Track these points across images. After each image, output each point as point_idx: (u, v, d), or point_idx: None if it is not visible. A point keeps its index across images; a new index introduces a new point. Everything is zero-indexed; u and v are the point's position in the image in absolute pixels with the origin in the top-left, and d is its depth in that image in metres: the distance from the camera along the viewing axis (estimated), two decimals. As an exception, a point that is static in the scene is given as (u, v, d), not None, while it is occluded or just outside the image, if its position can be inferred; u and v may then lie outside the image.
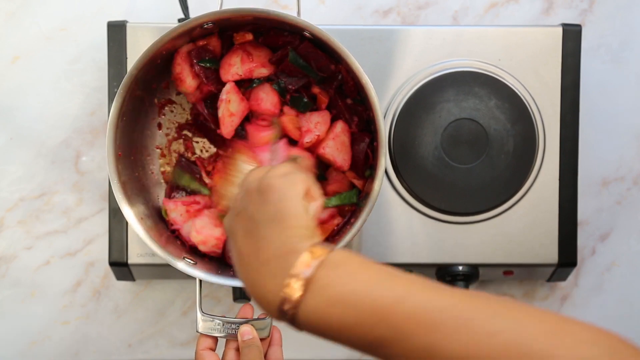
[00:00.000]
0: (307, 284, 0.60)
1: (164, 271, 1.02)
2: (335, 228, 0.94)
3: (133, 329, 1.12)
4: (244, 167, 0.85)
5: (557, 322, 0.56)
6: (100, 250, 1.10)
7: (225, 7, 0.88)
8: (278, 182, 0.66)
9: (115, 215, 0.98)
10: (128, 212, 0.89)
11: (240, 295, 0.99)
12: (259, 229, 0.64)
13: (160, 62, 0.91)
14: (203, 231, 0.92)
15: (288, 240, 0.63)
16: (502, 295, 1.13)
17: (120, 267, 1.00)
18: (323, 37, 0.87)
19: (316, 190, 0.69)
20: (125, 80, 0.87)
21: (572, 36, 0.99)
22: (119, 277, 1.05)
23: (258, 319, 0.88)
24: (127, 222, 0.98)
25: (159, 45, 0.87)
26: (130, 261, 0.99)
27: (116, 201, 0.97)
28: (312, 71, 0.92)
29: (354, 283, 0.59)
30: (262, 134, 0.93)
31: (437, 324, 0.56)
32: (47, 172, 1.10)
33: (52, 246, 1.10)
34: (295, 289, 0.60)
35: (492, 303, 0.58)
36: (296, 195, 0.66)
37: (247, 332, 0.86)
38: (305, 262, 0.60)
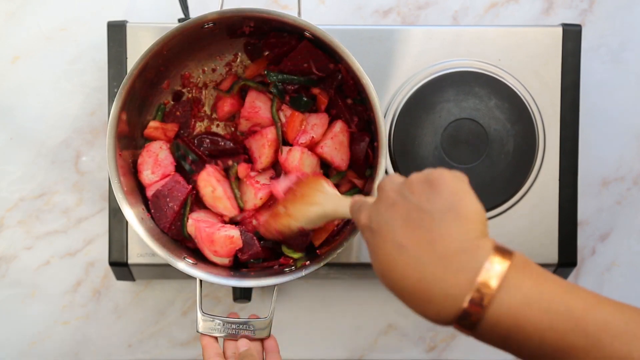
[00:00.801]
0: (502, 281, 0.57)
1: (164, 271, 1.02)
2: (336, 228, 0.94)
3: (133, 329, 1.12)
4: (330, 189, 0.85)
5: None
6: (100, 250, 1.10)
7: (226, 7, 0.88)
8: (448, 175, 0.62)
9: (115, 215, 0.98)
10: (129, 212, 0.89)
11: (240, 295, 0.99)
12: (432, 220, 0.59)
13: (160, 62, 0.91)
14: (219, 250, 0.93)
15: (470, 235, 0.59)
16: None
17: (120, 267, 1.00)
18: (324, 38, 0.87)
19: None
20: (125, 80, 0.87)
21: (572, 36, 0.99)
22: (119, 277, 1.05)
23: (258, 319, 0.88)
24: (127, 222, 0.98)
25: (159, 45, 0.87)
26: (130, 261, 0.99)
27: (116, 201, 0.98)
28: (304, 78, 0.93)
29: (545, 287, 0.57)
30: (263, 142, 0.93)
31: (632, 335, 0.56)
32: (47, 172, 1.10)
33: (52, 246, 1.10)
34: (490, 285, 0.57)
35: None
36: (470, 190, 0.61)
37: (242, 344, 0.88)
38: (497, 259, 0.58)
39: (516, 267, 0.58)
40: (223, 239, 0.91)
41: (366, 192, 0.92)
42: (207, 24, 0.88)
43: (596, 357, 0.56)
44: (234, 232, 0.92)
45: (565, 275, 1.05)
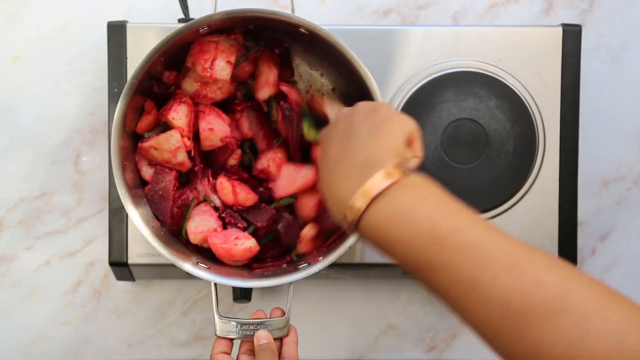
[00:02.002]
0: (376, 196, 0.65)
1: (164, 271, 1.02)
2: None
3: (133, 329, 1.12)
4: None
5: (606, 290, 0.58)
6: (100, 250, 1.10)
7: (223, 9, 0.88)
8: (392, 110, 0.74)
9: (115, 215, 0.98)
10: (134, 213, 0.89)
11: (240, 295, 0.99)
12: (355, 137, 0.70)
13: (159, 69, 0.91)
14: (198, 230, 0.92)
15: (375, 154, 0.68)
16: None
17: (120, 267, 1.00)
18: (320, 33, 0.87)
19: (419, 143, 0.73)
20: (125, 89, 0.86)
21: (572, 36, 0.99)
22: (119, 277, 1.05)
23: (276, 318, 0.88)
24: (127, 222, 0.98)
25: (157, 51, 0.86)
26: (130, 261, 0.99)
27: (116, 201, 0.98)
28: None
29: (419, 204, 0.64)
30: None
31: (487, 261, 0.59)
32: (47, 172, 1.10)
33: (52, 246, 1.10)
34: (363, 197, 0.65)
35: (545, 257, 0.59)
36: (401, 125, 0.72)
37: (263, 336, 0.86)
38: (382, 176, 0.66)
39: (403, 184, 0.65)
40: (242, 252, 0.91)
41: None
42: (203, 27, 0.88)
43: (450, 276, 0.60)
44: (250, 242, 0.91)
45: (565, 275, 1.05)
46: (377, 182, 0.65)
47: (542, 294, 0.56)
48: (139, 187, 0.93)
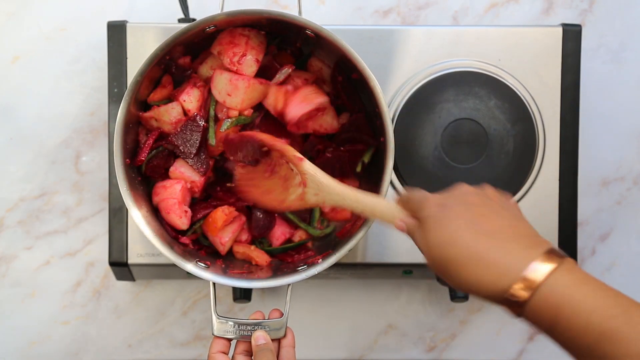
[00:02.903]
0: (551, 272, 0.64)
1: (164, 271, 1.02)
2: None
3: (133, 329, 1.12)
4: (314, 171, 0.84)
5: None
6: (100, 250, 1.10)
7: (228, 9, 0.88)
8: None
9: (115, 215, 0.98)
10: (137, 215, 0.89)
11: (240, 295, 0.99)
12: (509, 213, 0.72)
13: (163, 67, 0.91)
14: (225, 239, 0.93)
15: (537, 235, 0.70)
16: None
17: (120, 267, 1.00)
18: (326, 35, 0.86)
19: None
20: (130, 87, 0.86)
21: (572, 36, 0.99)
22: (119, 277, 1.05)
23: (273, 319, 0.88)
24: (127, 222, 0.98)
25: (163, 50, 0.86)
26: (130, 261, 0.99)
27: (116, 201, 0.98)
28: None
29: (589, 283, 0.65)
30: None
31: None
32: (47, 172, 1.10)
33: (52, 246, 1.11)
34: (541, 273, 0.64)
35: None
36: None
37: (261, 337, 0.86)
38: (551, 256, 0.66)
39: (564, 266, 0.65)
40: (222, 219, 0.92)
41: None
42: (210, 27, 0.88)
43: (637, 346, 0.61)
44: (225, 209, 0.92)
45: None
46: (547, 263, 0.65)
47: None
48: (141, 185, 0.93)
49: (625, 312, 0.62)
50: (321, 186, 0.83)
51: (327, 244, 0.94)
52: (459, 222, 0.69)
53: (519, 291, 0.65)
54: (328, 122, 0.93)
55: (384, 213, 0.79)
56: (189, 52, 0.93)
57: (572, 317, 0.63)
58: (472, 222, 0.69)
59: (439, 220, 0.71)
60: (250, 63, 0.90)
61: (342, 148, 0.94)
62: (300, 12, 0.90)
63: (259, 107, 0.94)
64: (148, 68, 0.86)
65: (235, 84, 0.90)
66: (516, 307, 0.65)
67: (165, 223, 0.93)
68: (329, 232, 0.96)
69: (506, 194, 0.75)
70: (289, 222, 0.96)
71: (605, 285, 0.65)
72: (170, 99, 0.93)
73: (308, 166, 0.84)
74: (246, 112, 0.92)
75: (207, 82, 0.93)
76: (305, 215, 0.96)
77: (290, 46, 0.95)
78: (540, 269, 0.65)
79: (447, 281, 0.70)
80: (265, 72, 0.93)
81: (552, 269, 0.64)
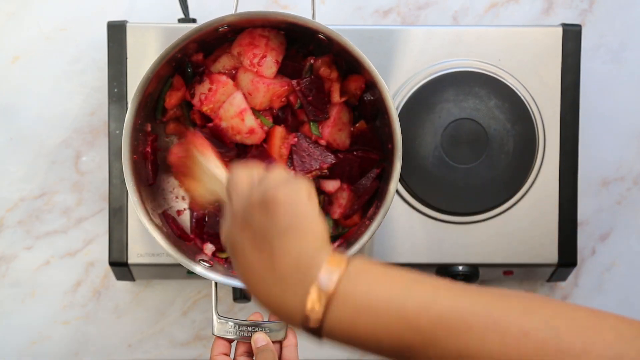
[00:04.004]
0: (331, 295, 0.58)
1: (164, 271, 1.02)
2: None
3: (133, 329, 1.12)
4: (209, 167, 0.80)
5: (589, 317, 0.56)
6: (100, 250, 1.10)
7: (239, 10, 0.88)
8: (282, 193, 0.62)
9: (115, 215, 0.98)
10: (144, 218, 0.89)
11: (240, 295, 0.99)
12: (271, 242, 0.61)
13: (175, 65, 0.91)
14: None
15: (304, 252, 0.60)
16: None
17: (120, 267, 1.00)
18: (339, 40, 0.87)
19: (314, 193, 0.65)
20: (140, 83, 0.86)
21: (572, 36, 0.99)
22: (119, 277, 1.05)
23: (274, 321, 0.87)
24: (127, 222, 0.98)
25: (174, 48, 0.86)
26: (130, 261, 0.99)
27: (116, 201, 0.98)
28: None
29: (377, 291, 0.58)
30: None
31: (467, 327, 0.55)
32: (47, 172, 1.10)
33: (52, 246, 1.10)
34: (318, 303, 0.59)
35: (521, 301, 0.57)
36: (304, 203, 0.63)
37: (260, 338, 0.86)
38: (326, 273, 0.59)
39: (349, 277, 0.59)
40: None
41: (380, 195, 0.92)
42: (223, 27, 0.88)
43: (434, 353, 0.56)
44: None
45: (565, 276, 1.05)
46: (325, 282, 0.58)
47: (531, 343, 0.54)
48: (147, 181, 0.93)
49: (410, 325, 0.57)
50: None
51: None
52: (243, 272, 0.64)
53: (313, 310, 0.59)
54: (342, 139, 0.94)
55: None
56: (202, 50, 0.93)
57: (362, 342, 0.59)
58: (249, 271, 0.63)
59: (235, 268, 0.66)
60: (270, 64, 0.91)
61: (354, 152, 0.94)
62: (313, 16, 0.90)
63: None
64: (159, 66, 0.87)
65: (256, 86, 0.91)
66: (317, 336, 0.61)
67: (171, 222, 0.93)
68: (341, 232, 0.96)
69: (270, 201, 0.62)
70: None
71: (395, 269, 0.59)
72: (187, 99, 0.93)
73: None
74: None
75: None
76: None
77: (303, 49, 0.95)
78: (326, 280, 0.59)
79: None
80: (286, 69, 0.93)
81: (340, 274, 0.59)
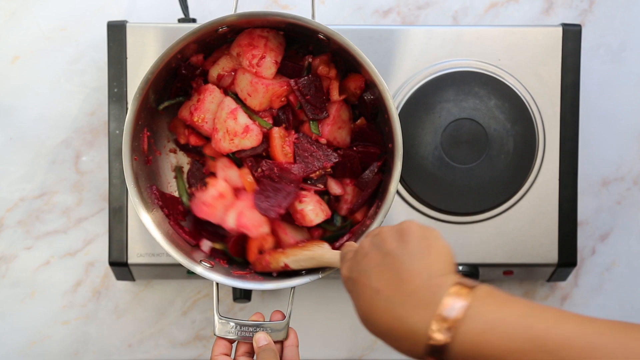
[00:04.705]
0: (462, 315, 0.61)
1: (164, 271, 1.02)
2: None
3: (133, 329, 1.12)
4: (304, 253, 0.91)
5: None
6: (100, 250, 1.10)
7: (238, 11, 0.88)
8: (416, 224, 0.70)
9: (115, 215, 0.98)
10: (146, 218, 0.89)
11: (240, 295, 0.99)
12: (402, 263, 0.66)
13: (174, 66, 0.91)
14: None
15: (434, 274, 0.64)
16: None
17: (120, 267, 1.00)
18: (339, 40, 0.87)
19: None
20: (140, 83, 0.86)
21: (572, 36, 0.99)
22: (119, 277, 1.05)
23: (275, 321, 0.87)
24: (127, 222, 0.98)
25: (174, 49, 0.86)
26: (130, 261, 0.99)
27: (116, 201, 0.98)
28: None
29: (505, 312, 0.61)
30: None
31: (593, 349, 0.58)
32: (47, 172, 1.10)
33: (52, 246, 1.10)
34: (447, 322, 0.61)
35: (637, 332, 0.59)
36: (435, 235, 0.69)
37: (262, 338, 0.86)
38: (455, 295, 0.62)
39: (477, 297, 0.62)
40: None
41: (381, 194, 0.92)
42: (222, 28, 0.88)
43: None
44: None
45: (565, 276, 1.05)
46: (453, 303, 0.62)
47: None
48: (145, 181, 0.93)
49: (539, 345, 0.59)
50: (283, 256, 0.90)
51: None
52: (364, 296, 0.68)
53: (433, 353, 0.62)
54: (342, 137, 0.95)
55: (334, 263, 0.85)
56: (201, 50, 0.93)
57: (503, 342, 0.60)
58: (372, 292, 0.66)
59: (354, 299, 0.70)
60: (269, 65, 0.91)
61: (354, 148, 0.94)
62: (313, 16, 0.90)
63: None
64: (159, 66, 0.87)
65: (255, 87, 0.91)
66: (439, 352, 0.62)
67: (174, 224, 0.93)
68: (346, 225, 0.96)
69: (405, 230, 0.69)
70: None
71: (523, 311, 0.62)
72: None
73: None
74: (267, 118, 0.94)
75: (218, 80, 0.93)
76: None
77: (303, 49, 0.95)
78: (455, 307, 0.61)
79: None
80: (285, 69, 0.93)
81: (468, 303, 0.61)
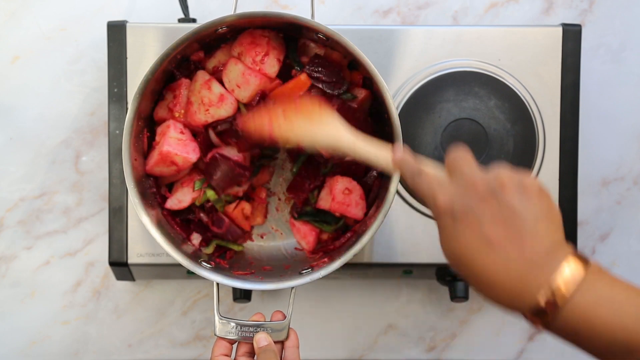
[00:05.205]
0: (579, 283, 0.62)
1: (164, 271, 1.02)
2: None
3: (133, 329, 1.12)
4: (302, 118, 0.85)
5: None
6: (100, 250, 1.10)
7: (238, 11, 0.88)
8: (539, 184, 0.68)
9: (115, 215, 0.98)
10: (145, 220, 0.88)
11: (240, 295, 0.99)
12: (524, 223, 0.65)
13: (174, 67, 0.91)
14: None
15: (556, 241, 0.66)
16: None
17: (120, 267, 1.00)
18: (338, 39, 0.86)
19: None
20: (140, 83, 0.86)
21: (572, 36, 0.99)
22: (119, 277, 1.05)
23: (276, 322, 0.87)
24: (127, 222, 0.98)
25: (174, 49, 0.86)
26: (130, 261, 0.99)
27: (116, 201, 0.97)
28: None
29: (616, 290, 0.63)
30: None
31: None
32: (47, 172, 1.10)
33: (52, 246, 1.10)
34: (565, 286, 0.62)
35: None
36: (552, 199, 0.69)
37: (263, 338, 0.86)
38: (575, 263, 0.63)
39: (591, 271, 0.63)
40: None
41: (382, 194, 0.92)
42: (222, 28, 0.88)
43: None
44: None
45: (565, 275, 1.05)
46: (571, 272, 0.63)
47: None
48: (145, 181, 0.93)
49: None
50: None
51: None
52: (468, 238, 0.66)
53: (536, 314, 0.63)
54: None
55: (381, 164, 0.79)
56: (202, 49, 0.93)
57: (595, 334, 0.62)
58: (482, 239, 0.66)
59: (449, 233, 0.68)
60: (272, 63, 0.91)
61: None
62: (313, 16, 0.90)
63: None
64: (160, 67, 0.87)
65: (247, 79, 0.91)
66: (541, 324, 0.64)
67: (174, 224, 0.93)
68: (340, 225, 0.96)
69: (529, 187, 0.68)
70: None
71: (634, 292, 0.63)
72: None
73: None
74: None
75: (214, 72, 0.93)
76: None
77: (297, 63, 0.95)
78: (572, 275, 0.63)
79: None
80: (287, 73, 0.93)
81: (574, 289, 0.63)
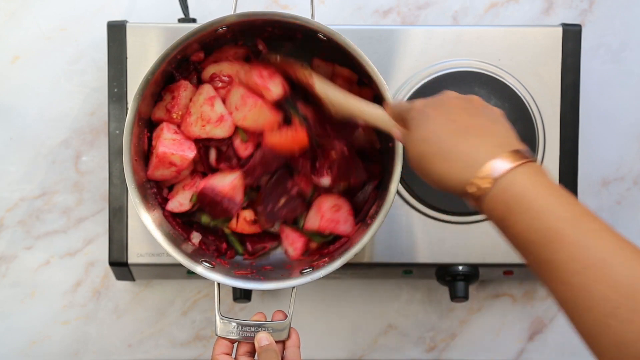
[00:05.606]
0: (505, 172, 0.67)
1: (164, 271, 1.02)
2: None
3: (133, 329, 1.12)
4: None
5: None
6: (100, 250, 1.10)
7: (238, 10, 0.88)
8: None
9: (115, 215, 0.98)
10: (146, 219, 0.89)
11: (240, 295, 0.99)
12: (486, 118, 0.73)
13: (174, 67, 0.91)
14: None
15: (512, 138, 0.71)
16: (502, 294, 1.13)
17: (120, 267, 1.00)
18: (338, 40, 0.87)
19: None
20: (141, 83, 0.86)
21: (572, 36, 0.99)
22: (119, 277, 1.05)
23: (277, 321, 0.87)
24: (127, 222, 0.98)
25: (174, 49, 0.86)
26: (130, 261, 0.99)
27: (116, 201, 0.97)
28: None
29: (541, 185, 0.66)
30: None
31: (620, 246, 0.61)
32: (47, 172, 1.10)
33: (52, 246, 1.10)
34: (509, 161, 0.67)
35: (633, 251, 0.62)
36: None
37: (264, 338, 0.86)
38: (512, 156, 0.68)
39: (523, 168, 0.67)
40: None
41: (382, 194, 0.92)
42: (222, 28, 0.88)
43: (578, 251, 0.61)
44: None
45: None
46: (504, 162, 0.67)
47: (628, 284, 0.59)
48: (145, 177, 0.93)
49: (575, 218, 0.63)
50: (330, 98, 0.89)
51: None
52: (436, 120, 0.73)
53: (477, 185, 0.67)
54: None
55: (384, 122, 0.82)
56: (202, 49, 0.93)
57: (521, 213, 0.65)
58: (448, 121, 0.72)
59: (419, 120, 0.74)
60: (277, 82, 0.91)
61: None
62: (313, 16, 0.90)
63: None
64: (160, 67, 0.87)
65: (244, 100, 0.91)
66: (475, 199, 0.68)
67: (175, 224, 0.93)
68: (329, 239, 0.96)
69: (493, 107, 0.76)
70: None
71: (565, 191, 0.66)
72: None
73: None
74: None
75: (211, 79, 0.94)
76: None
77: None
78: (500, 166, 0.67)
79: (421, 177, 0.73)
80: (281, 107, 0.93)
81: (512, 167, 0.67)
